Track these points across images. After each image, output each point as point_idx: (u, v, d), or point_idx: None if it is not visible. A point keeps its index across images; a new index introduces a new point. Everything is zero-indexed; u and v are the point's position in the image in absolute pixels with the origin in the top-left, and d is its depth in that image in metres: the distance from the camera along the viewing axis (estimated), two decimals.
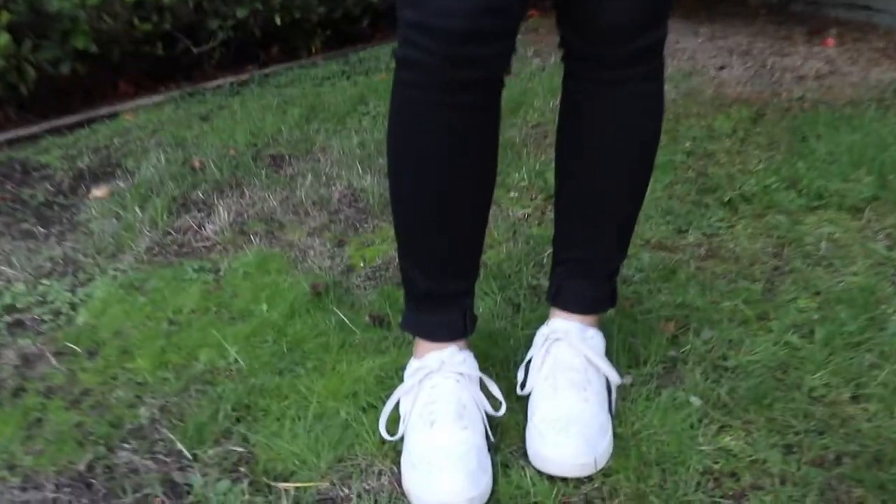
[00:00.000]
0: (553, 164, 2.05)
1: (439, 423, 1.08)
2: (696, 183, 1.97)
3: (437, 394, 1.11)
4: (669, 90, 2.63)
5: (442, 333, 1.17)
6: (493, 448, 1.12)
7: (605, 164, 1.12)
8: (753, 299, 1.44)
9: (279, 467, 1.12)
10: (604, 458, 1.09)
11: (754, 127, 2.30)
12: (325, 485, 1.09)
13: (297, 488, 1.08)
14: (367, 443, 1.15)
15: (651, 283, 1.54)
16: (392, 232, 1.83)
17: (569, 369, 1.16)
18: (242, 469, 1.13)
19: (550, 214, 1.87)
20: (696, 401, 1.20)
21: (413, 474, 1.05)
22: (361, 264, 1.71)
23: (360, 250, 1.78)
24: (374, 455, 1.14)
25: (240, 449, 1.16)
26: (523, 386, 1.20)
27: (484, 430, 1.11)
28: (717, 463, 1.09)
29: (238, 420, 1.22)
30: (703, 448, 1.11)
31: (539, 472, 1.08)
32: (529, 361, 1.22)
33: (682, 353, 1.32)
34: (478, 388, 1.16)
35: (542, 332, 1.21)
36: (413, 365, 1.17)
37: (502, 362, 1.31)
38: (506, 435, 1.16)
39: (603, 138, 1.11)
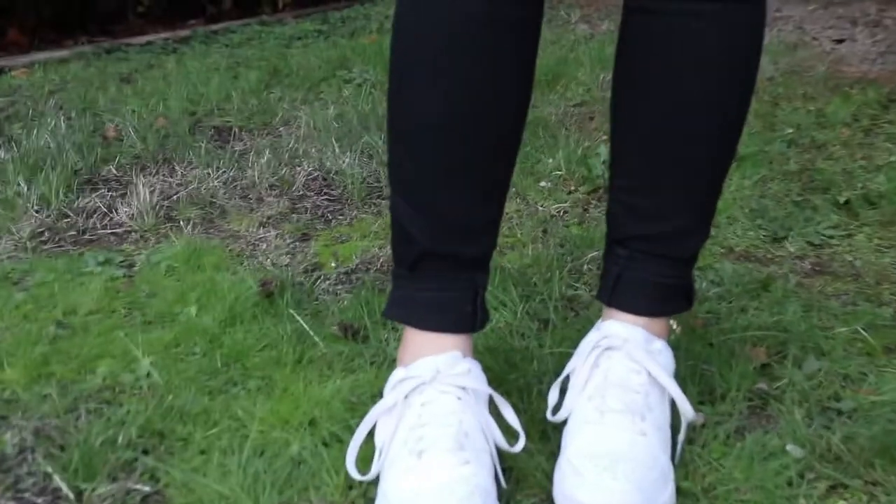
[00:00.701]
0: (599, 150, 2.06)
1: (431, 455, 1.04)
2: (799, 180, 1.95)
3: (430, 414, 1.08)
4: (766, 66, 2.63)
5: (442, 320, 1.14)
6: (503, 497, 1.07)
7: (681, 107, 1.11)
8: (879, 325, 1.41)
9: None
10: None
11: (884, 113, 2.30)
12: None
13: None
14: (326, 485, 1.11)
15: (733, 299, 1.50)
16: (376, 226, 1.81)
17: (624, 389, 1.12)
18: None
19: (594, 211, 1.86)
20: (795, 450, 1.16)
21: None
22: (332, 263, 1.69)
23: (331, 246, 1.76)
24: (335, 502, 1.09)
25: (145, 488, 1.12)
26: (556, 410, 1.16)
27: (492, 470, 1.07)
28: None
29: (146, 451, 1.18)
30: None
31: None
32: (567, 378, 1.18)
33: (777, 388, 1.28)
34: (486, 410, 1.12)
35: (590, 339, 1.18)
36: (396, 375, 1.14)
37: (521, 390, 1.27)
38: (522, 483, 1.12)
39: (678, 77, 1.10)
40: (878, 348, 1.36)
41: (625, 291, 1.19)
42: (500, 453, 1.11)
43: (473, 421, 1.09)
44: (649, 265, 1.19)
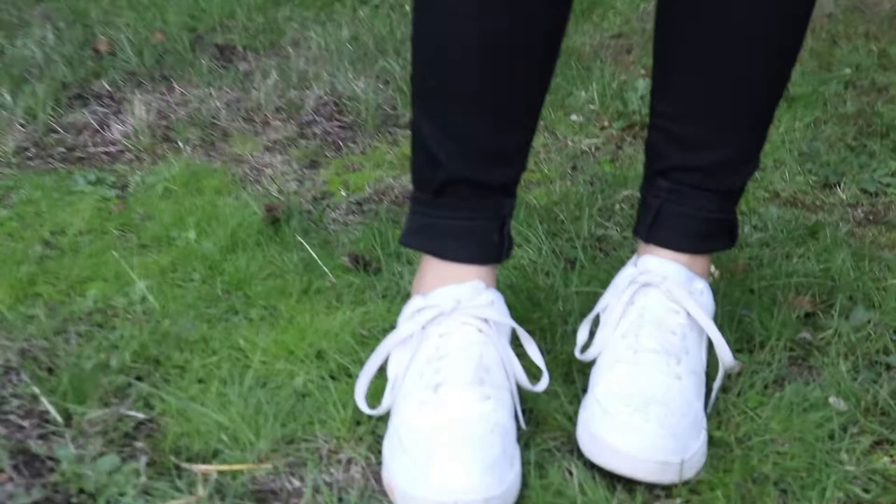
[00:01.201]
0: (636, 84, 2.07)
1: (448, 388, 1.07)
2: (855, 123, 1.96)
3: (449, 346, 1.10)
4: (825, 0, 2.63)
5: (466, 250, 1.16)
6: (521, 438, 1.10)
7: (733, 29, 1.12)
8: None
9: (196, 444, 1.11)
10: (694, 467, 1.07)
11: None
12: (264, 471, 1.07)
13: (221, 473, 1.06)
14: (332, 420, 1.14)
15: (777, 246, 1.52)
16: (392, 155, 1.82)
17: (660, 328, 1.14)
18: (140, 443, 1.11)
19: (628, 149, 1.87)
20: (838, 403, 1.18)
21: (401, 461, 1.03)
22: (343, 193, 1.71)
23: (343, 175, 1.78)
24: (341, 437, 1.12)
25: (139, 415, 1.15)
26: (585, 349, 1.19)
27: (512, 408, 1.10)
28: (868, 490, 1.06)
29: (140, 377, 1.21)
30: (847, 468, 1.09)
31: (593, 471, 1.06)
32: (598, 316, 1.21)
33: (821, 338, 1.30)
34: (509, 345, 1.14)
35: (626, 275, 1.20)
36: (413, 304, 1.16)
37: (544, 330, 1.29)
38: (543, 425, 1.14)
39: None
40: None
41: (665, 226, 1.21)
42: (521, 392, 1.14)
43: (495, 355, 1.11)
44: (692, 199, 1.20)
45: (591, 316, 1.21)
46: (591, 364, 1.18)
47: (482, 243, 1.16)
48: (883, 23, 2.49)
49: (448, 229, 1.16)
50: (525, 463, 1.07)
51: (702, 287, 1.19)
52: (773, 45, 1.14)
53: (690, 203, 1.20)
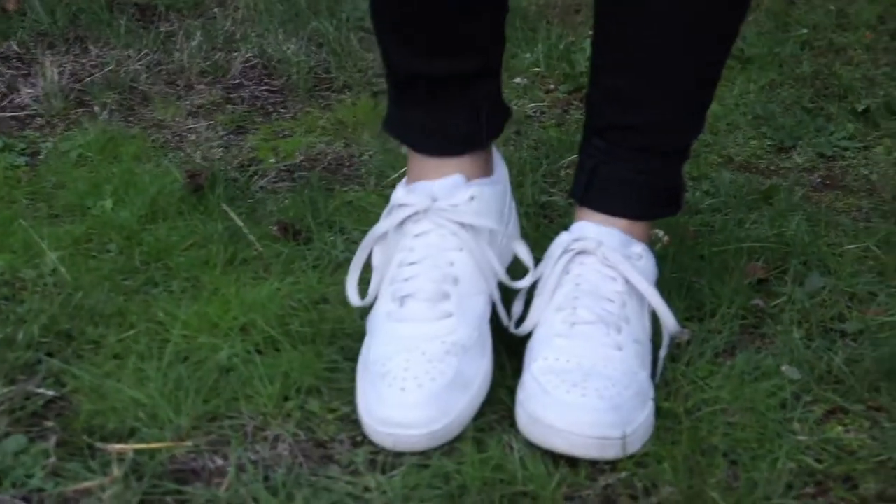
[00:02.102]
0: (584, 45, 2.07)
1: (411, 303, 1.12)
2: (812, 85, 1.98)
3: (422, 249, 1.14)
4: None
5: (435, 143, 1.18)
6: (491, 348, 1.14)
7: None
8: (894, 242, 1.44)
9: (111, 423, 1.10)
10: (639, 440, 1.08)
11: None
12: (184, 450, 1.07)
13: (137, 452, 1.06)
14: (258, 395, 1.13)
15: (730, 211, 1.54)
16: (324, 120, 1.83)
17: (597, 298, 1.15)
18: (49, 422, 1.10)
19: (574, 113, 1.88)
20: (791, 371, 1.19)
21: (362, 381, 1.10)
22: (272, 159, 1.70)
23: (271, 141, 1.77)
24: (268, 413, 1.12)
25: (48, 392, 1.14)
26: (520, 322, 1.19)
27: (481, 318, 1.14)
28: (821, 461, 1.08)
29: (50, 353, 1.20)
30: (799, 438, 1.10)
31: (533, 449, 1.06)
32: (534, 288, 1.20)
33: (774, 305, 1.32)
34: (487, 245, 1.16)
35: (560, 242, 1.20)
36: (397, 196, 1.19)
37: None
38: (485, 400, 1.15)
39: None
40: (892, 266, 1.39)
41: (601, 188, 1.21)
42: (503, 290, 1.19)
43: (468, 261, 1.15)
44: (629, 160, 1.20)
45: (522, 290, 1.21)
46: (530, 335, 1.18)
47: (453, 136, 1.18)
48: None
49: (417, 123, 1.19)
50: (464, 438, 1.08)
51: (640, 251, 1.19)
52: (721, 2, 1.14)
53: (627, 165, 1.20)
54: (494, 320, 1.18)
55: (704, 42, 1.16)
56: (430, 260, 1.14)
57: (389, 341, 1.11)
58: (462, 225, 1.15)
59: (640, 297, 1.17)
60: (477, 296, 1.15)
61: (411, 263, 1.14)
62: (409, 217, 1.16)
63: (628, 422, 1.06)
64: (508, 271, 1.21)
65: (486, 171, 1.23)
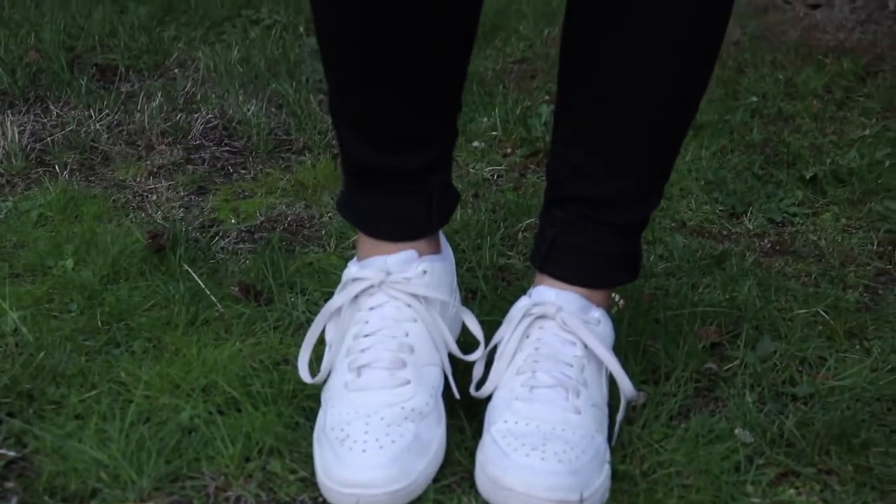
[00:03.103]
0: (540, 110, 2.11)
1: (368, 372, 1.15)
2: (762, 152, 2.03)
3: (376, 321, 1.17)
4: (732, 29, 2.71)
5: (389, 229, 1.21)
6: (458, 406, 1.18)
7: (640, 62, 1.14)
8: (842, 308, 1.48)
9: (73, 483, 1.10)
10: (597, 503, 1.09)
11: (861, 86, 2.39)
12: None
13: None
14: (220, 456, 1.14)
15: (683, 275, 1.56)
16: (284, 181, 1.84)
17: (556, 362, 1.17)
18: (10, 482, 1.10)
19: (531, 177, 1.91)
20: (744, 434, 1.21)
21: (321, 445, 1.11)
22: (233, 220, 1.71)
23: (232, 202, 1.79)
24: (230, 474, 1.12)
25: (10, 453, 1.14)
26: (480, 385, 1.21)
27: (436, 386, 1.16)
28: None
29: (11, 413, 1.20)
30: (753, 500, 1.12)
31: None
32: (494, 350, 1.22)
33: (727, 369, 1.34)
34: (439, 317, 1.19)
35: (520, 307, 1.22)
36: (350, 272, 1.22)
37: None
38: (444, 461, 1.16)
39: (639, 30, 1.14)
40: (840, 332, 1.42)
41: (560, 258, 1.24)
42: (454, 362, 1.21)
43: (422, 331, 1.18)
44: (588, 232, 1.23)
45: (485, 350, 1.23)
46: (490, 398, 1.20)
47: (406, 223, 1.21)
48: (789, 51, 2.58)
49: (371, 211, 1.22)
50: (425, 500, 1.09)
51: (599, 316, 1.22)
52: (681, 83, 1.17)
53: (586, 236, 1.23)
54: (447, 391, 1.20)
55: (666, 123, 1.19)
56: (386, 331, 1.17)
57: (348, 409, 1.12)
58: (416, 297, 1.18)
59: (598, 362, 1.19)
60: (431, 366, 1.18)
61: (367, 335, 1.17)
62: (363, 291, 1.19)
63: (586, 485, 1.08)
64: (458, 342, 1.24)
65: (436, 248, 1.26)
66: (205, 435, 1.17)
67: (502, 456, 1.08)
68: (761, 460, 1.18)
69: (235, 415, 1.20)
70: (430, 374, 1.17)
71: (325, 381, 1.19)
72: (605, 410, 1.19)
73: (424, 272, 1.20)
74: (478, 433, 1.18)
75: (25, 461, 1.14)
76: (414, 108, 1.16)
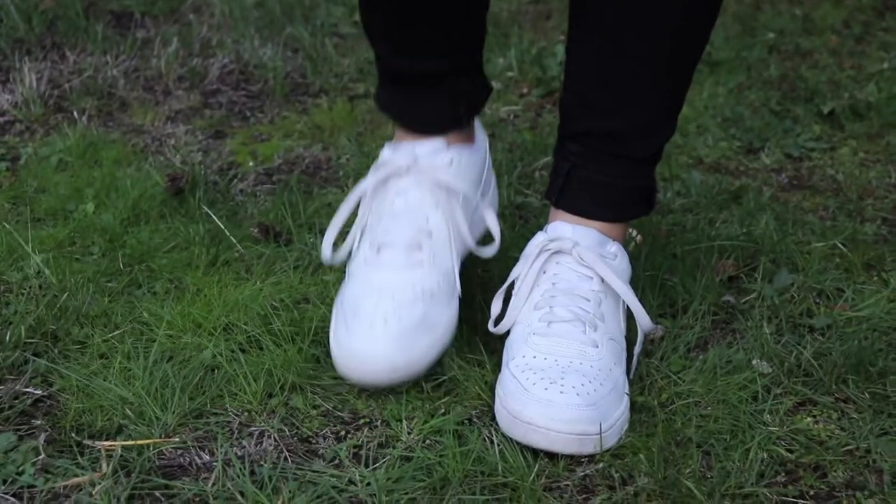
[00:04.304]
0: (556, 51, 2.10)
1: (386, 251, 1.20)
2: (779, 88, 2.01)
3: (401, 205, 1.22)
4: None
5: (416, 119, 1.26)
6: (458, 299, 1.21)
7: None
8: (860, 240, 1.48)
9: (99, 420, 1.11)
10: (616, 435, 1.10)
11: (879, 21, 2.36)
12: (171, 446, 1.08)
13: (125, 448, 1.07)
14: (243, 393, 1.15)
15: (700, 211, 1.56)
16: (301, 124, 1.84)
17: (573, 297, 1.18)
18: (38, 420, 1.12)
19: (547, 116, 1.91)
20: (762, 365, 1.22)
21: (336, 318, 1.18)
22: (251, 163, 1.72)
23: (250, 145, 1.79)
24: (253, 410, 1.14)
25: (36, 391, 1.16)
26: (499, 321, 1.21)
27: (449, 271, 1.21)
28: (791, 451, 1.10)
29: (37, 353, 1.21)
30: (770, 429, 1.13)
31: (513, 442, 1.09)
32: (511, 286, 1.23)
33: (745, 302, 1.35)
34: (460, 209, 1.22)
35: (537, 242, 1.23)
36: (383, 155, 1.26)
37: (463, 301, 1.31)
38: (464, 394, 1.17)
39: None
40: (858, 264, 1.42)
41: (575, 192, 1.24)
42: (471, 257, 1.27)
43: (441, 219, 1.22)
44: (602, 164, 1.23)
45: (503, 287, 1.24)
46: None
47: (436, 117, 1.25)
48: None
49: (400, 100, 1.28)
50: (444, 431, 1.10)
51: (615, 250, 1.22)
52: (687, 13, 1.16)
53: (600, 169, 1.23)
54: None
55: (675, 50, 1.19)
56: (407, 213, 1.21)
57: (363, 286, 1.18)
58: (439, 184, 1.22)
59: (616, 296, 1.20)
60: (447, 251, 1.22)
61: (390, 216, 1.21)
62: (391, 174, 1.23)
63: (605, 417, 1.09)
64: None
65: (468, 139, 1.29)
66: (227, 372, 1.18)
67: (521, 390, 1.09)
68: (779, 390, 1.19)
69: (257, 352, 1.22)
70: (445, 259, 1.21)
71: (347, 260, 1.25)
72: (623, 343, 1.20)
73: (451, 161, 1.23)
74: (497, 367, 1.19)
75: (52, 399, 1.15)
76: (439, 18, 1.20)
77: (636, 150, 1.23)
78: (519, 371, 1.12)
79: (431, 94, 1.25)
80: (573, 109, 1.24)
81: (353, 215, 1.26)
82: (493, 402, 1.14)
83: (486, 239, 1.29)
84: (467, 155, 1.25)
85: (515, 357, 1.14)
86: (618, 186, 1.24)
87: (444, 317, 1.18)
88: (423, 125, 1.26)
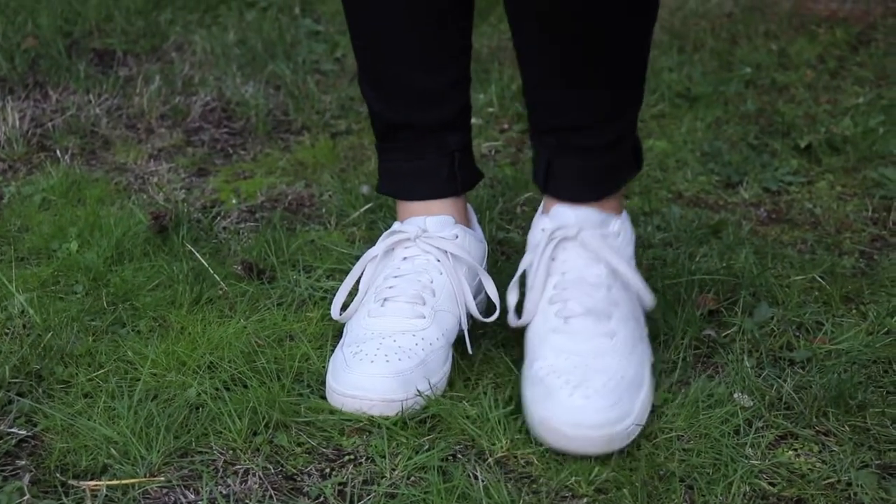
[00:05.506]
0: None
1: (392, 303, 1.25)
2: (756, 122, 2.03)
3: (407, 268, 1.28)
4: (725, 1, 2.72)
5: (421, 188, 1.32)
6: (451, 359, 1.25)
7: None
8: (838, 273, 1.49)
9: (83, 460, 1.11)
10: (641, 421, 1.16)
11: (854, 56, 2.39)
12: (157, 485, 1.08)
13: (110, 488, 1.07)
14: (228, 431, 1.15)
15: (680, 245, 1.57)
16: (284, 161, 1.85)
17: (584, 287, 1.22)
18: (22, 460, 1.12)
19: (528, 152, 1.92)
20: (743, 399, 1.22)
21: (336, 356, 1.22)
22: (234, 200, 1.72)
23: (233, 183, 1.79)
24: (237, 448, 1.13)
25: (20, 432, 1.16)
26: (519, 313, 1.25)
27: (450, 332, 1.25)
28: (773, 484, 1.11)
29: (21, 393, 1.21)
30: (753, 462, 1.13)
31: (496, 476, 1.09)
32: (522, 277, 1.27)
33: (726, 336, 1.35)
34: (464, 278, 1.27)
35: (542, 226, 1.26)
36: (391, 229, 1.33)
37: None
38: (447, 431, 1.17)
39: None
40: (837, 297, 1.43)
41: (560, 179, 1.27)
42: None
43: (446, 283, 1.27)
44: (579, 152, 1.26)
45: (516, 277, 1.27)
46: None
47: (431, 180, 1.31)
48: (782, 22, 2.58)
49: (399, 171, 1.34)
50: (428, 468, 1.10)
51: (617, 227, 1.26)
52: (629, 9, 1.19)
53: (577, 157, 1.26)
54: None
55: (619, 49, 1.21)
56: (413, 275, 1.27)
57: (366, 331, 1.23)
58: (445, 253, 1.28)
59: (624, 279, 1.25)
60: (449, 313, 1.26)
61: (397, 276, 1.27)
62: (399, 242, 1.29)
63: (629, 412, 1.14)
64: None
65: (467, 222, 1.36)
66: (212, 410, 1.18)
67: (548, 396, 1.14)
68: (760, 423, 1.19)
69: (241, 390, 1.22)
70: (445, 319, 1.25)
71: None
72: (642, 319, 1.26)
73: (457, 236, 1.30)
74: (476, 400, 1.21)
75: (36, 439, 1.15)
76: (424, 61, 1.27)
77: (607, 134, 1.26)
78: (544, 374, 1.16)
79: (425, 152, 1.32)
80: (536, 109, 1.28)
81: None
82: (522, 401, 1.18)
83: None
84: (471, 236, 1.33)
85: (538, 359, 1.18)
86: (599, 168, 1.27)
87: (440, 371, 1.23)
88: (420, 189, 1.33)
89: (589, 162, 1.26)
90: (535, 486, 1.09)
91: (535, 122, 1.29)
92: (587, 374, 1.14)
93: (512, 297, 1.26)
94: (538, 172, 1.29)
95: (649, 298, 1.25)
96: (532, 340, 1.22)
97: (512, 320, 1.25)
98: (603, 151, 1.26)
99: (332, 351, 1.27)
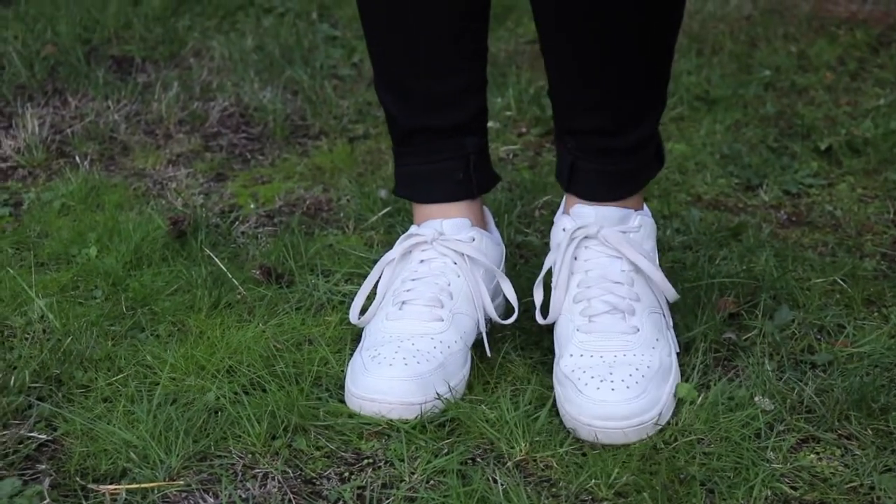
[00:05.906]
0: None
1: (410, 306, 1.26)
2: (776, 125, 2.02)
3: (424, 271, 1.29)
4: (744, 3, 2.71)
5: (438, 191, 1.33)
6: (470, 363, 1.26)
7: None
8: (860, 276, 1.48)
9: (103, 464, 1.11)
10: (669, 408, 1.19)
11: (874, 57, 2.38)
12: (176, 489, 1.08)
13: (129, 492, 1.07)
14: (247, 435, 1.15)
15: (700, 248, 1.57)
16: (302, 166, 1.85)
17: (607, 285, 1.24)
18: (42, 465, 1.12)
19: (547, 155, 1.92)
20: (764, 402, 1.22)
21: (355, 359, 1.23)
22: (251, 205, 1.72)
23: (251, 187, 1.80)
24: (256, 452, 1.14)
25: (41, 436, 1.16)
26: (546, 312, 1.27)
27: (469, 334, 1.26)
28: (795, 488, 1.10)
29: (41, 398, 1.22)
30: (774, 466, 1.13)
31: (516, 480, 1.09)
32: (548, 274, 1.29)
33: (746, 339, 1.35)
34: (481, 280, 1.28)
35: (564, 225, 1.28)
36: (408, 232, 1.34)
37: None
38: (466, 434, 1.17)
39: None
40: (858, 299, 1.43)
41: (583, 181, 1.30)
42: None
43: (463, 285, 1.28)
44: (603, 156, 1.28)
45: (540, 276, 1.30)
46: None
47: (446, 183, 1.32)
48: (801, 24, 2.57)
49: (416, 174, 1.35)
50: (447, 471, 1.10)
51: (638, 222, 1.28)
52: (651, 11, 1.19)
53: (600, 160, 1.28)
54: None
55: (647, 40, 1.21)
56: (430, 278, 1.28)
57: (384, 334, 1.24)
58: (462, 256, 1.29)
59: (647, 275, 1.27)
60: (466, 316, 1.27)
61: (414, 279, 1.28)
62: (416, 245, 1.30)
63: (656, 401, 1.17)
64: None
65: (484, 225, 1.37)
66: (231, 414, 1.18)
67: (576, 392, 1.16)
68: (781, 427, 1.19)
69: (260, 394, 1.22)
70: (463, 322, 1.26)
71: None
72: (666, 311, 1.28)
73: (473, 238, 1.31)
74: (495, 404, 1.21)
75: (56, 444, 1.16)
76: (439, 65, 1.28)
77: (630, 138, 1.27)
78: (570, 370, 1.18)
79: (441, 155, 1.33)
80: (560, 111, 1.30)
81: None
82: (555, 395, 1.21)
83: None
84: (488, 238, 1.34)
85: (564, 355, 1.21)
86: (622, 171, 1.28)
87: (459, 374, 1.23)
88: (437, 191, 1.34)
89: (610, 166, 1.27)
90: (554, 489, 1.09)
91: (559, 119, 1.30)
92: (613, 368, 1.17)
93: (538, 296, 1.29)
94: (562, 171, 1.31)
95: (671, 291, 1.27)
96: (559, 338, 1.24)
97: (538, 319, 1.27)
98: (625, 155, 1.27)
99: (351, 355, 1.27)
